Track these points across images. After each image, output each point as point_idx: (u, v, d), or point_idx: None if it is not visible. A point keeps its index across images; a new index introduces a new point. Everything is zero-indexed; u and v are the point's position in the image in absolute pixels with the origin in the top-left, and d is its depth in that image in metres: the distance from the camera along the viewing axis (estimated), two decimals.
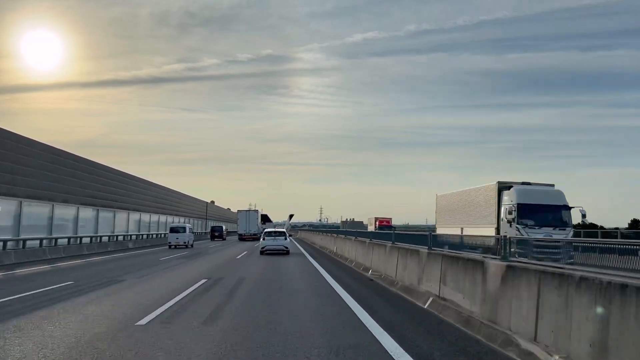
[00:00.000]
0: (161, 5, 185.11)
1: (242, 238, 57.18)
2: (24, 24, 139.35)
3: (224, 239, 60.25)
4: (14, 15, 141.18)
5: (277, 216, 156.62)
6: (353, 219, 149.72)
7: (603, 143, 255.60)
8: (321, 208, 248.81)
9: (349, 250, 24.24)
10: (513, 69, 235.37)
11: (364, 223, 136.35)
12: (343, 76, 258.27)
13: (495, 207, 21.35)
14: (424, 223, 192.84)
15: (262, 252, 28.19)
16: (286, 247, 28.79)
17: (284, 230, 33.52)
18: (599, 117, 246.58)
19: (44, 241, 25.84)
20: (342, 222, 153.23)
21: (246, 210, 60.43)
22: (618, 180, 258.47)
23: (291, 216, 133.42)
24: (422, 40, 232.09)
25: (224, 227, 63.23)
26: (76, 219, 32.45)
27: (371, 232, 25.46)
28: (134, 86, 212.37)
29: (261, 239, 30.42)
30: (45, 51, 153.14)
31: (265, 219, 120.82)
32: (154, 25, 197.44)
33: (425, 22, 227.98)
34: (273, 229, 33.84)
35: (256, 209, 66.02)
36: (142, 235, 43.97)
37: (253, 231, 57.57)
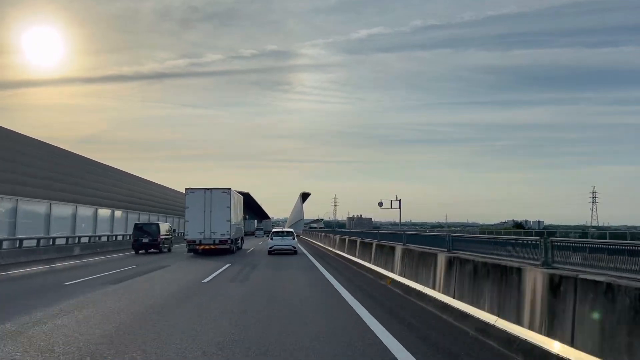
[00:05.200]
0: None
1: (195, 249, 27.94)
2: (25, 19, 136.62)
3: (167, 251, 31.82)
4: (16, 10, 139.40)
5: (279, 213, 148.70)
6: (361, 215, 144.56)
7: (607, 141, 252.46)
8: (335, 199, 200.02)
9: None
10: (518, 65, 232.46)
11: (373, 220, 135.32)
12: (347, 72, 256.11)
13: None
14: (436, 221, 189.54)
15: (269, 252, 28.39)
16: (294, 247, 29.20)
17: (291, 230, 33.47)
18: (604, 114, 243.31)
19: None
20: (349, 218, 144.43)
21: (203, 189, 28.56)
22: (621, 179, 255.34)
23: (305, 197, 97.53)
24: (427, 36, 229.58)
25: (161, 227, 32.12)
26: None
27: None
28: (136, 82, 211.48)
29: (269, 239, 30.37)
30: (47, 46, 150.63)
31: (250, 206, 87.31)
32: (156, 20, 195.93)
33: (431, 17, 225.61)
34: (280, 229, 34.88)
35: (227, 187, 29.41)
36: None
37: (220, 235, 27.86)
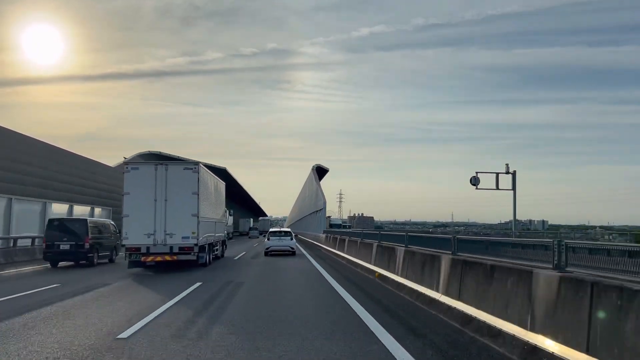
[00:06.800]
0: None
1: (140, 262, 17.76)
2: (25, 16, 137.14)
3: (107, 261, 21.95)
4: (16, 8, 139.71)
5: (278, 212, 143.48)
6: (362, 214, 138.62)
7: (609, 140, 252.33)
8: (340, 195, 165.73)
9: None
10: (519, 64, 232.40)
11: (375, 219, 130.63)
12: (348, 71, 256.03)
13: None
14: (437, 220, 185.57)
15: (266, 253, 27.62)
16: (292, 248, 28.25)
17: (289, 230, 32.64)
18: (605, 114, 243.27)
19: None
20: (350, 217, 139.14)
21: (153, 164, 17.89)
22: (622, 178, 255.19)
23: (323, 173, 63.48)
24: (429, 34, 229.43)
25: (89, 222, 21.02)
26: None
27: None
28: (136, 80, 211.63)
29: (266, 239, 29.26)
30: (47, 44, 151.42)
31: (243, 200, 73.24)
32: (157, 17, 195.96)
33: (432, 16, 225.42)
34: (278, 229, 33.08)
35: (196, 161, 24.24)
36: None
37: (181, 238, 17.43)
